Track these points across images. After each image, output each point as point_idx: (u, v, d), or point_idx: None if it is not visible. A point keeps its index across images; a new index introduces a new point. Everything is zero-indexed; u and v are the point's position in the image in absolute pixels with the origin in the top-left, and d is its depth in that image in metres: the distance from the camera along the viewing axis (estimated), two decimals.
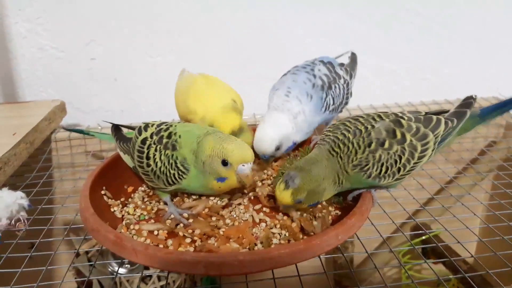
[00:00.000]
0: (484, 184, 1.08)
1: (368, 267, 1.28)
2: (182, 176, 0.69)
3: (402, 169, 0.67)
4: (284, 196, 0.66)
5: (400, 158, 0.67)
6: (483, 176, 1.06)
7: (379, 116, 0.70)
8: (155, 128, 0.73)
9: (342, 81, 0.90)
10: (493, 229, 0.77)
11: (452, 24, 1.30)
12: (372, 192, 0.71)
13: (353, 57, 0.99)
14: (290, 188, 0.65)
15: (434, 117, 0.71)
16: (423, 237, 1.17)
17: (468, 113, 0.73)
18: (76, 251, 0.83)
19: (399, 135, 0.67)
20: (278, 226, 0.70)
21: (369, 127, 0.68)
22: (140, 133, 0.74)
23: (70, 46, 1.26)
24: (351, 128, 0.69)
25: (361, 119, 0.71)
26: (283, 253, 0.54)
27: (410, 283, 0.71)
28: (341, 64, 0.95)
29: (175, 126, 0.73)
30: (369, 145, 0.66)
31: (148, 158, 0.70)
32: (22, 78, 1.27)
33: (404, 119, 0.69)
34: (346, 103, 0.93)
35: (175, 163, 0.68)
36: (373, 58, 1.33)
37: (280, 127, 0.81)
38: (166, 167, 0.69)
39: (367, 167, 0.66)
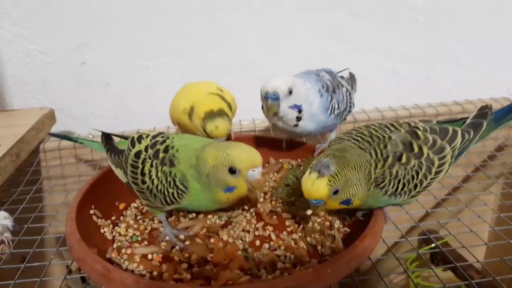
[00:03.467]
0: (494, 190, 1.03)
1: (374, 274, 1.23)
2: (181, 195, 0.63)
3: (418, 185, 0.62)
4: (319, 186, 0.57)
5: (417, 173, 0.61)
6: (493, 182, 1.01)
7: (393, 125, 0.65)
8: (150, 140, 0.67)
9: (344, 89, 0.86)
10: None
11: (458, 21, 1.25)
12: (384, 208, 0.66)
13: (352, 75, 0.96)
14: (325, 176, 0.56)
15: (450, 128, 0.65)
16: (432, 245, 1.13)
17: (484, 124, 0.68)
18: (68, 268, 0.78)
19: (416, 148, 0.61)
20: (282, 247, 0.65)
21: (386, 137, 0.62)
22: (133, 145, 0.67)
23: (59, 50, 1.20)
24: (366, 133, 0.64)
25: (373, 126, 0.65)
26: (290, 286, 0.49)
27: None
28: (341, 77, 0.91)
29: (172, 138, 0.67)
30: (386, 160, 0.60)
31: (143, 174, 0.64)
32: (9, 85, 1.22)
33: (419, 129, 0.63)
34: (350, 111, 0.88)
35: (174, 181, 0.62)
36: (377, 59, 1.27)
37: (296, 79, 0.77)
38: (163, 186, 0.63)
39: (383, 183, 0.60)
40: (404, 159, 0.60)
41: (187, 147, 0.65)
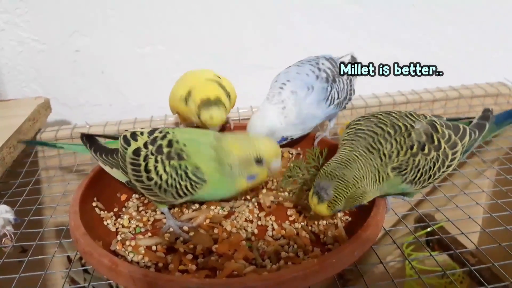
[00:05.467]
0: (489, 175, 1.05)
1: (370, 258, 1.25)
2: (195, 186, 0.63)
3: (432, 176, 0.64)
4: (321, 210, 0.61)
5: (434, 165, 0.63)
6: (488, 167, 1.02)
7: (412, 115, 0.66)
8: (148, 137, 0.66)
9: (345, 76, 0.87)
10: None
11: (455, 6, 1.24)
12: (387, 198, 0.66)
13: (353, 60, 0.96)
14: (325, 201, 0.60)
15: (461, 125, 0.68)
16: (428, 229, 1.15)
17: (487, 126, 0.71)
18: (71, 259, 0.78)
19: (436, 141, 0.63)
20: (285, 236, 0.66)
21: (408, 126, 0.63)
22: (128, 144, 0.66)
23: (52, 38, 1.18)
24: (386, 122, 0.64)
25: (393, 114, 0.66)
26: (296, 276, 0.50)
27: (417, 278, 0.69)
28: (342, 63, 0.90)
29: (173, 133, 0.66)
30: (411, 148, 0.61)
31: (147, 171, 0.64)
32: (2, 74, 1.20)
33: (437, 123, 0.65)
34: (350, 99, 0.88)
35: (185, 173, 0.62)
36: (374, 44, 1.27)
37: (267, 121, 0.78)
38: (174, 179, 0.63)
39: (406, 171, 0.61)
40: (426, 150, 0.62)
41: (196, 142, 0.65)
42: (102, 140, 0.74)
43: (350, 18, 1.23)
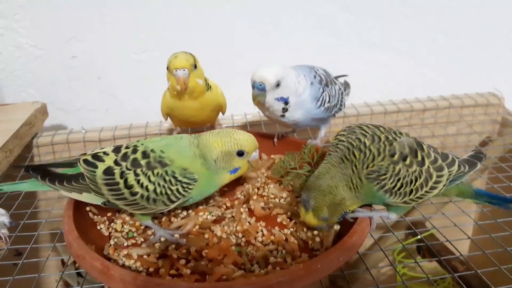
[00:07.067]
0: (478, 185, 1.06)
1: (361, 266, 1.27)
2: (187, 188, 0.65)
3: (414, 192, 0.64)
4: (309, 219, 0.65)
5: (416, 179, 0.63)
6: (478, 176, 1.04)
7: (400, 133, 0.68)
8: (115, 155, 0.66)
9: (337, 87, 0.89)
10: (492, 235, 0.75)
11: (446, 16, 1.27)
12: (372, 217, 0.67)
13: (346, 82, 1.00)
14: (310, 211, 0.64)
15: (450, 155, 0.69)
16: (419, 237, 1.16)
17: (478, 165, 0.72)
18: (65, 262, 0.79)
19: (419, 157, 0.64)
20: (274, 242, 0.68)
21: (390, 137, 0.65)
22: (93, 166, 0.65)
23: (49, 44, 1.20)
24: (368, 133, 0.66)
25: (381, 128, 0.68)
26: (282, 281, 0.51)
27: (401, 284, 0.71)
28: (335, 78, 0.95)
29: (142, 144, 0.67)
30: (392, 156, 0.63)
31: (129, 187, 0.63)
32: (0, 79, 1.21)
33: (424, 144, 0.67)
34: (340, 109, 0.90)
35: (174, 178, 0.64)
36: (366, 52, 1.29)
37: (288, 71, 0.79)
38: (163, 186, 0.64)
39: (384, 176, 0.62)
40: (408, 161, 0.63)
41: (173, 146, 0.67)
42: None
43: (343, 26, 1.25)
